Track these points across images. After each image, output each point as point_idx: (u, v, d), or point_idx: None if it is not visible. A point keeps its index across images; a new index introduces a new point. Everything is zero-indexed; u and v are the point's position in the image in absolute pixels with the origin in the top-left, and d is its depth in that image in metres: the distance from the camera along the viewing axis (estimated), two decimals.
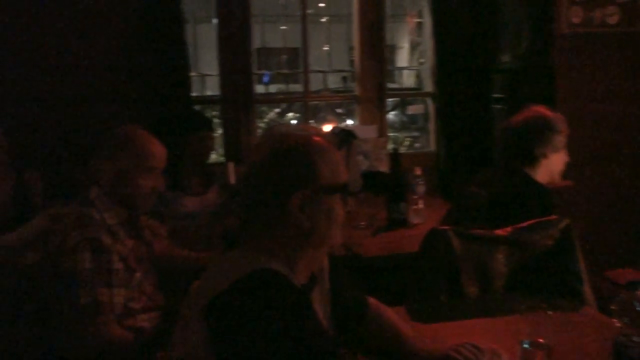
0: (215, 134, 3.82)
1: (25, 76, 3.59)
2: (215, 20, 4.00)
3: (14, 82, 3.58)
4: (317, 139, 1.43)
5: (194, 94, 3.93)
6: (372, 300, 1.75)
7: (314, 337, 1.26)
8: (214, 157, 4.20)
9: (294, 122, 7.33)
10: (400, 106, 7.07)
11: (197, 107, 4.07)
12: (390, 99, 5.47)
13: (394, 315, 1.74)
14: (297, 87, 6.41)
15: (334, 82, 8.83)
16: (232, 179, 3.09)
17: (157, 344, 2.03)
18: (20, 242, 2.36)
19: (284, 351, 1.20)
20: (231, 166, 3.03)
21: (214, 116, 4.76)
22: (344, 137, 3.69)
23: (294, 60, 8.88)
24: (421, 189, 3.31)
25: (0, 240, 2.41)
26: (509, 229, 2.25)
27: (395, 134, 6.64)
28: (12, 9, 3.56)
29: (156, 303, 2.25)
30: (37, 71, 3.60)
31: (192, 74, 4.02)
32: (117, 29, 3.66)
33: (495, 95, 4.06)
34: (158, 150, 2.21)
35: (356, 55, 4.33)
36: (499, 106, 4.02)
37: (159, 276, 2.37)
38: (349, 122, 5.90)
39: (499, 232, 2.25)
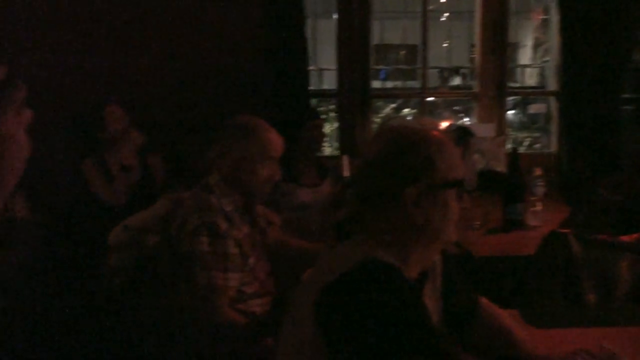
0: (331, 128, 3.85)
1: (154, 65, 3.78)
2: (335, 16, 4.03)
3: (142, 69, 3.76)
4: (435, 133, 1.41)
5: (311, 88, 3.98)
6: (483, 300, 1.70)
7: (427, 331, 1.24)
8: (328, 150, 4.23)
9: (409, 118, 7.27)
10: (521, 105, 6.85)
11: (314, 101, 4.12)
12: (510, 97, 5.31)
13: (506, 317, 1.69)
14: (413, 84, 6.35)
15: (452, 79, 8.68)
16: (346, 172, 3.10)
17: (267, 330, 2.07)
18: (144, 224, 2.48)
19: (396, 344, 1.19)
20: (346, 159, 3.04)
21: (330, 110, 4.81)
22: (460, 134, 3.62)
23: (412, 57, 8.80)
24: (540, 190, 3.19)
25: (126, 221, 2.55)
26: (635, 235, 2.13)
27: (515, 133, 6.44)
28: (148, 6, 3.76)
29: (267, 289, 2.30)
30: (164, 61, 3.78)
31: (311, 67, 4.06)
32: (241, 22, 3.77)
33: (625, 96, 3.83)
34: (276, 140, 2.26)
35: (477, 52, 4.23)
36: (629, 107, 3.80)
37: (271, 264, 2.42)
38: (466, 120, 5.78)
39: (624, 238, 2.14)
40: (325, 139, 3.70)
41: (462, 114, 6.68)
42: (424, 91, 4.36)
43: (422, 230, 1.37)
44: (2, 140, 0.80)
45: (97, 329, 2.99)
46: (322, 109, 4.12)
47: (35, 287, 2.83)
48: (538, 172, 3.24)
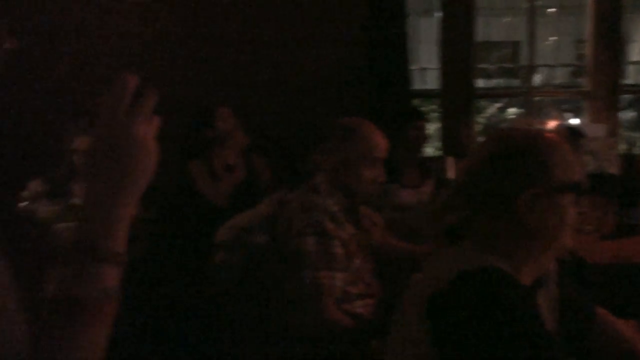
0: (434, 128, 3.81)
1: (257, 66, 3.86)
2: (437, 14, 3.98)
3: (242, 70, 3.84)
4: (548, 135, 1.36)
5: (413, 88, 3.94)
6: (600, 310, 1.63)
7: (543, 341, 1.20)
8: (430, 151, 4.19)
9: (514, 117, 7.07)
10: (636, 104, 6.51)
11: (416, 101, 4.09)
12: (624, 96, 5.05)
13: (625, 328, 1.61)
14: (515, 82, 6.16)
15: (559, 76, 8.37)
16: (451, 174, 3.06)
17: (373, 332, 2.07)
18: (250, 224, 2.54)
19: (511, 353, 1.16)
20: (450, 161, 3.00)
21: (433, 110, 4.75)
22: (570, 135, 3.48)
23: (515, 54, 8.55)
24: None
25: (233, 221, 2.62)
26: None
27: (629, 134, 6.13)
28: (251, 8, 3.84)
29: (372, 290, 2.29)
30: (268, 61, 3.84)
31: (413, 67, 4.03)
32: (343, 21, 3.79)
33: None
34: (381, 142, 2.26)
35: (588, 48, 4.05)
36: None
37: (375, 265, 2.41)
38: (575, 119, 5.56)
39: None
40: (427, 139, 3.67)
41: (571, 113, 6.42)
42: (530, 90, 4.23)
43: (536, 237, 1.33)
44: (135, 146, 0.82)
45: (201, 324, 3.09)
46: (424, 109, 4.06)
47: (147, 281, 2.94)
48: None
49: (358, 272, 2.24)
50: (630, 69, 8.92)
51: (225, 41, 3.88)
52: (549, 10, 9.23)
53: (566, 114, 6.44)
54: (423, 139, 3.51)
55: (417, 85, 4.80)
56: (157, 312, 3.03)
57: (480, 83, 7.09)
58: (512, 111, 7.26)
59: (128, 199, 0.83)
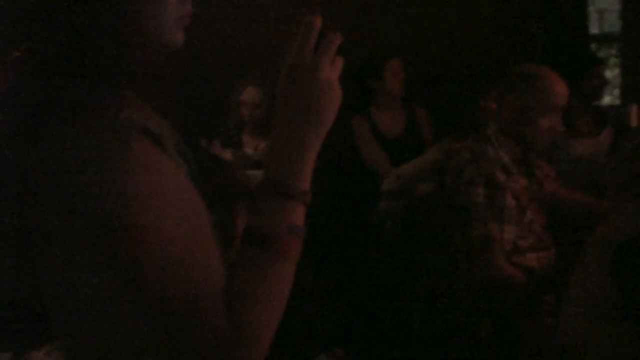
0: (612, 74, 3.56)
1: (422, 14, 3.76)
2: None
3: (408, 18, 3.76)
4: None
5: (591, 32, 3.69)
6: None
7: None
8: (607, 99, 3.92)
9: None
10: None
11: (593, 45, 3.83)
12: None
13: None
14: None
15: None
16: (634, 122, 2.85)
17: (548, 286, 2.00)
18: (415, 173, 2.53)
19: None
20: (634, 109, 2.78)
21: (612, 55, 4.44)
22: None
23: None
24: None
25: (399, 170, 2.62)
26: None
27: None
28: None
29: (544, 243, 2.21)
30: (437, 10, 3.73)
31: (590, 9, 3.77)
32: None
33: None
34: (562, 91, 2.14)
35: None
36: None
37: (546, 217, 2.32)
38: None
39: None
40: (606, 87, 3.43)
41: None
42: None
43: None
44: (321, 87, 0.83)
45: (367, 272, 3.15)
46: (602, 54, 3.79)
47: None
48: None
49: (529, 225, 2.16)
50: None
51: None
52: None
53: None
54: (601, 86, 3.29)
55: (595, 28, 4.49)
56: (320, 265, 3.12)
57: None
58: None
59: (313, 139, 0.84)
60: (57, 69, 0.78)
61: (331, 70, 0.84)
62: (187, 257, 0.76)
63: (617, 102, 3.84)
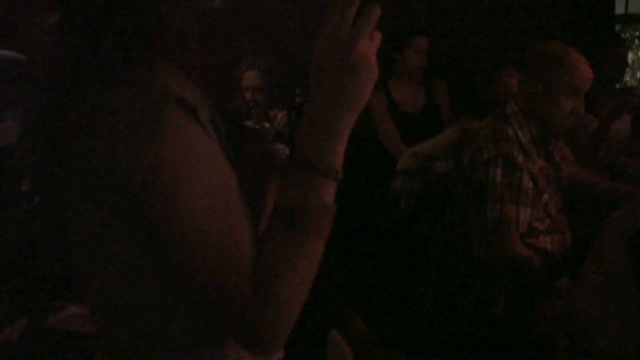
0: (634, 57, 3.51)
1: None
2: None
3: None
4: None
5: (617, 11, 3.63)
6: None
7: None
8: (628, 80, 3.88)
9: None
10: None
11: (618, 26, 3.77)
12: None
13: None
14: None
15: None
16: None
17: (562, 269, 2.00)
18: (432, 151, 2.51)
19: None
20: None
21: (636, 36, 4.36)
22: None
23: None
24: None
25: (416, 148, 2.61)
26: None
27: None
28: None
29: (559, 226, 2.19)
30: None
31: None
32: None
33: None
34: (586, 72, 2.10)
35: None
36: None
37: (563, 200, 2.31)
38: None
39: None
40: (627, 68, 3.39)
41: None
42: None
43: None
44: (358, 62, 0.80)
45: (381, 248, 3.17)
46: (625, 35, 3.73)
47: None
48: None
49: (546, 207, 2.15)
50: None
51: None
52: None
53: None
54: (622, 67, 3.25)
55: (620, 8, 4.41)
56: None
57: None
58: None
59: (348, 115, 0.82)
60: (94, 31, 0.78)
61: (369, 44, 0.81)
62: (216, 228, 0.77)
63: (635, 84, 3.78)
